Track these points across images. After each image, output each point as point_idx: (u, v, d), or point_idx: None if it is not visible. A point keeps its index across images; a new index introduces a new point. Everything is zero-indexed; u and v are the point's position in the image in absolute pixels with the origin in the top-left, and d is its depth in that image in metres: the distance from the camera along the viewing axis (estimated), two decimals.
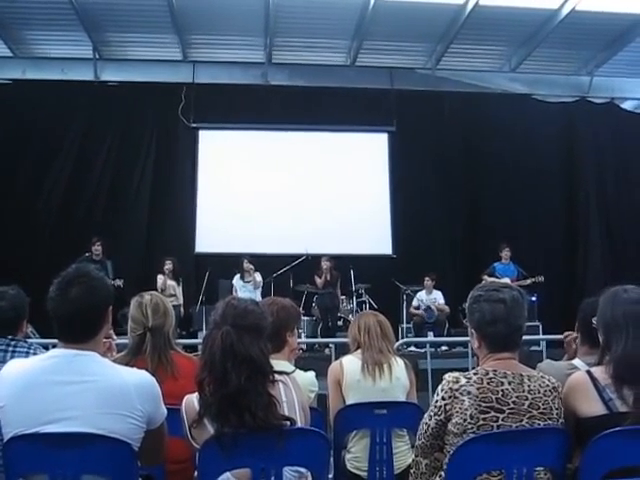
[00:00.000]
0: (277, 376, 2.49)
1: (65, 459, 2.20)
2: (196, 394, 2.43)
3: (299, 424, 2.49)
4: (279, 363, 2.91)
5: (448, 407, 2.49)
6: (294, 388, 2.56)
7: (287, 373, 2.59)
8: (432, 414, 2.56)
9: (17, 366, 2.35)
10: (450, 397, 2.49)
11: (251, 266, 10.76)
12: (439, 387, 2.57)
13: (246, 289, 10.78)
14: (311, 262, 11.29)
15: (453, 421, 2.48)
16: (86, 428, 2.19)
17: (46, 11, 10.49)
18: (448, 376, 2.55)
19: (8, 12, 10.55)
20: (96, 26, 11.06)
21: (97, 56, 11.90)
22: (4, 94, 11.83)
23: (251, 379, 2.35)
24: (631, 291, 2.66)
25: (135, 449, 2.29)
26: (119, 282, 9.75)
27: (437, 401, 2.54)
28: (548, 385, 2.51)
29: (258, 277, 10.86)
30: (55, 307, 2.33)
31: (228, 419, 2.30)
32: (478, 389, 2.45)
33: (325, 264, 10.88)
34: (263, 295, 10.56)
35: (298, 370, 3.49)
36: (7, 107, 11.77)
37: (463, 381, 2.48)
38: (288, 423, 2.38)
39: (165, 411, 2.44)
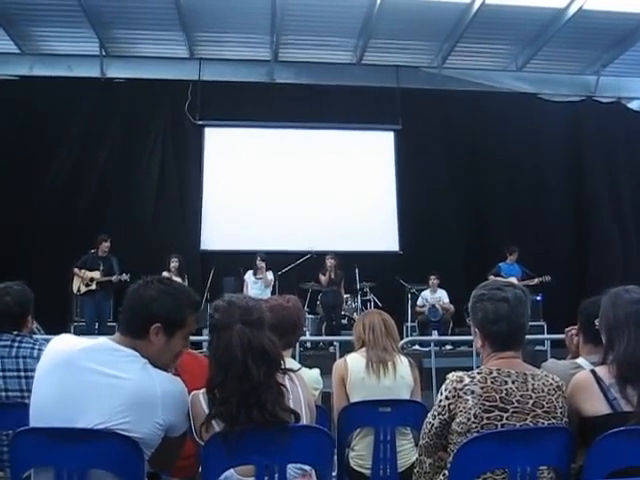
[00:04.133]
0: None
1: (71, 453, 2.21)
2: (202, 391, 2.43)
3: (305, 420, 2.49)
4: (287, 361, 2.93)
5: (452, 406, 2.49)
6: (300, 385, 2.57)
7: (293, 371, 2.60)
8: (436, 413, 2.56)
9: (63, 344, 2.40)
10: (454, 396, 2.49)
11: (263, 264, 10.77)
12: (442, 386, 2.57)
13: (257, 286, 10.81)
14: (316, 260, 11.28)
15: (457, 420, 2.47)
16: (106, 424, 2.20)
17: (53, 8, 10.54)
18: (452, 375, 2.55)
19: (15, 9, 10.60)
20: (103, 23, 11.10)
21: (103, 53, 11.96)
22: (11, 90, 11.87)
23: (268, 372, 2.38)
24: (632, 291, 2.66)
25: (148, 453, 2.30)
26: (126, 277, 9.80)
27: (441, 400, 2.54)
28: (552, 384, 2.51)
29: (269, 276, 10.86)
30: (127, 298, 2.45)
31: (237, 417, 2.30)
32: (482, 388, 2.45)
33: (329, 262, 10.86)
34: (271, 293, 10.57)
35: (303, 368, 3.51)
36: (13, 103, 11.81)
37: (467, 380, 2.48)
38: (293, 417, 2.39)
39: (188, 424, 2.42)
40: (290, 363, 2.94)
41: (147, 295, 2.41)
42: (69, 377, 2.26)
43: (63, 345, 2.38)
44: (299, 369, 2.74)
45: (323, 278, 10.91)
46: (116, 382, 2.25)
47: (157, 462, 2.42)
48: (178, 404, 2.36)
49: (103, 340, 2.42)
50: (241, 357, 2.35)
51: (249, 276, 10.97)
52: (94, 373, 2.26)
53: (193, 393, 2.46)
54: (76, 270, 10.16)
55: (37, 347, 3.25)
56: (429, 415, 2.63)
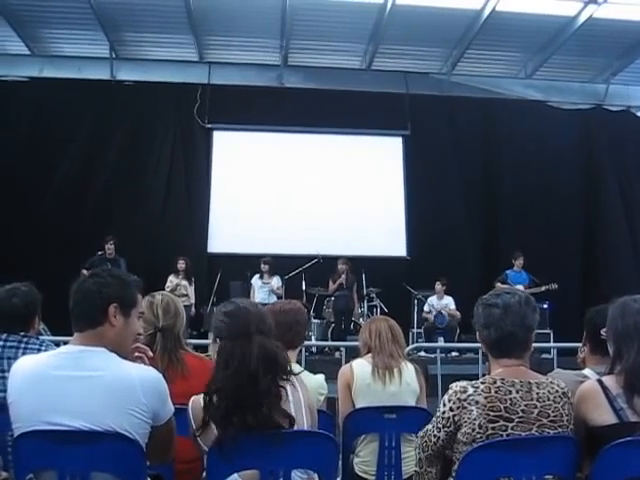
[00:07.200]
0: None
1: (74, 456, 2.20)
2: (202, 395, 2.44)
3: (305, 424, 2.51)
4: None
5: (457, 418, 2.47)
6: (301, 388, 2.58)
7: (295, 374, 2.60)
8: (440, 426, 2.54)
9: (27, 362, 2.38)
10: (458, 407, 2.47)
11: (266, 267, 10.75)
12: (445, 397, 2.55)
13: (264, 290, 10.77)
14: (323, 264, 11.24)
15: (462, 431, 2.46)
16: (90, 422, 2.21)
17: (64, 10, 10.58)
18: (455, 386, 2.53)
19: (26, 11, 10.65)
20: (113, 25, 11.15)
21: (113, 55, 12.01)
22: (21, 91, 11.94)
23: (274, 379, 2.41)
24: None
25: (142, 444, 2.30)
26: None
27: (444, 412, 2.52)
28: (557, 391, 2.49)
29: (276, 283, 10.84)
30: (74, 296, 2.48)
31: (230, 420, 2.31)
32: (486, 398, 2.43)
33: (342, 267, 10.77)
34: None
35: (308, 373, 3.50)
36: (24, 104, 11.86)
37: (470, 390, 2.47)
38: (288, 421, 2.39)
39: (172, 408, 2.44)
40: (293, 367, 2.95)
41: (93, 284, 2.45)
42: (45, 391, 2.25)
43: (28, 364, 2.36)
44: (300, 372, 2.74)
45: (332, 285, 10.81)
46: (91, 380, 2.25)
47: (153, 457, 2.43)
48: (157, 389, 2.36)
49: (65, 347, 2.43)
50: (254, 367, 2.37)
51: (256, 280, 10.94)
52: (68, 379, 2.26)
53: (194, 397, 2.48)
54: (84, 272, 10.16)
55: (43, 348, 3.25)
56: (430, 427, 2.61)
